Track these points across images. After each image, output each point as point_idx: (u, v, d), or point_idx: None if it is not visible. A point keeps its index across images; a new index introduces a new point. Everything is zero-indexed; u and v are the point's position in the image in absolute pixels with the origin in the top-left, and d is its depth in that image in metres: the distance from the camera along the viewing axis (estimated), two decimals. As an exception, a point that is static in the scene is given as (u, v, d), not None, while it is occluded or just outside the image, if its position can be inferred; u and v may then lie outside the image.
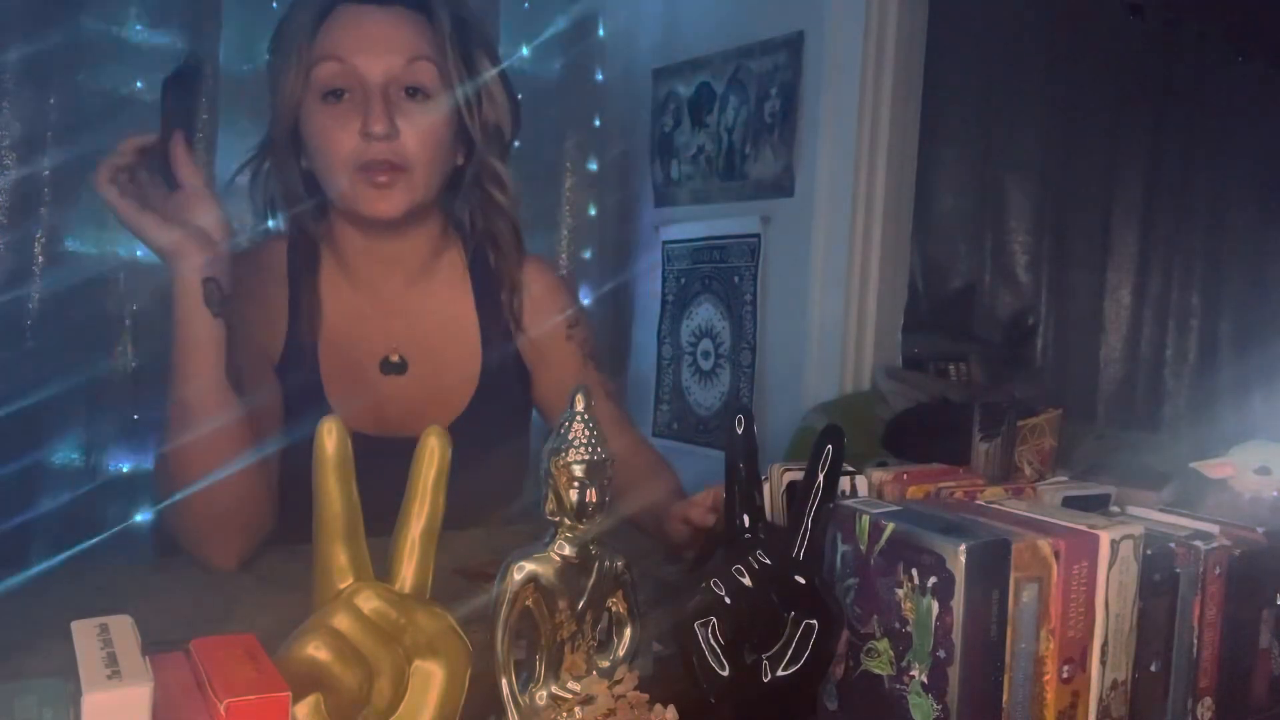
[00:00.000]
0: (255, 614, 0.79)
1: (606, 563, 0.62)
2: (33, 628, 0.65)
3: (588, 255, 2.51)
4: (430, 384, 1.18)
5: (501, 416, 1.22)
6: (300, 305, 1.14)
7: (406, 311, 1.18)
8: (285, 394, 1.10)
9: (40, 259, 1.81)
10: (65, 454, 1.88)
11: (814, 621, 0.64)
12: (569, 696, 0.61)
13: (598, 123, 2.53)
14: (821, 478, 0.65)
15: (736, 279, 2.33)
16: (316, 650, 0.52)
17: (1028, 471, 0.90)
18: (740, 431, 0.66)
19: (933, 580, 0.62)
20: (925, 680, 0.63)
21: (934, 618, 0.62)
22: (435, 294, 1.20)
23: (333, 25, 1.07)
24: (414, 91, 1.08)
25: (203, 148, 1.96)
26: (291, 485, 0.98)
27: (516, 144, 1.23)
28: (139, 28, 1.92)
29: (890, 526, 0.66)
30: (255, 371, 1.04)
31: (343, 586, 0.55)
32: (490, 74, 1.14)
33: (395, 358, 1.17)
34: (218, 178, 2.00)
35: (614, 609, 0.64)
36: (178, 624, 0.63)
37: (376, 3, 1.08)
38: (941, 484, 0.82)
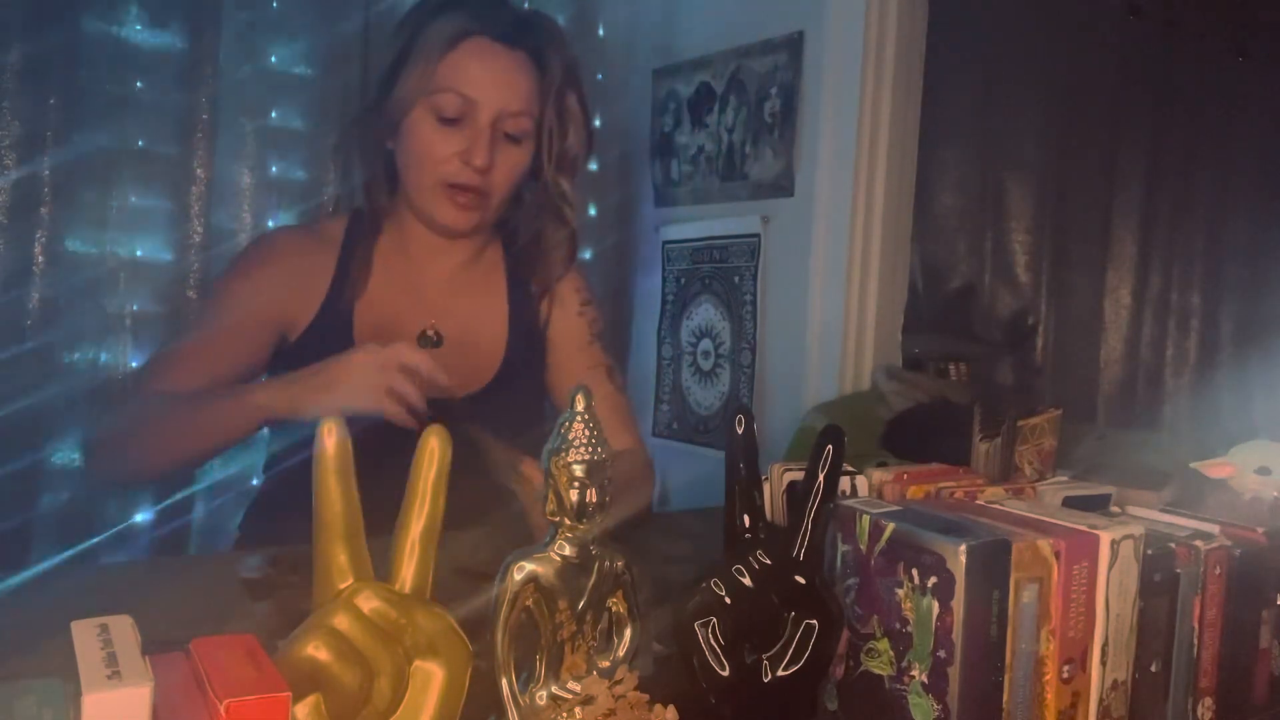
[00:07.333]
0: (255, 614, 0.79)
1: (606, 563, 0.62)
2: (33, 628, 0.65)
3: (588, 255, 2.50)
4: (459, 360, 1.25)
5: (521, 392, 1.31)
6: (348, 271, 1.23)
7: (449, 292, 1.28)
8: (316, 358, 1.16)
9: (40, 259, 1.81)
10: (65, 454, 1.87)
11: (814, 621, 0.64)
12: (569, 696, 0.61)
13: (597, 123, 2.52)
14: (821, 478, 0.65)
15: (736, 279, 2.33)
16: (316, 650, 0.52)
17: (1028, 471, 0.90)
18: (740, 431, 0.66)
19: (933, 580, 0.62)
20: (925, 680, 0.63)
21: (934, 618, 0.62)
22: (475, 280, 1.31)
23: (462, 56, 1.16)
24: (510, 136, 1.19)
25: (203, 148, 1.95)
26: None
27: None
28: (139, 28, 1.92)
29: (890, 526, 0.66)
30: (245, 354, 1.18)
31: (343, 586, 0.54)
32: (578, 113, 1.25)
33: (432, 333, 1.26)
34: (217, 178, 2.00)
35: (614, 609, 0.64)
36: (178, 624, 0.63)
37: (505, 43, 1.17)
38: (941, 484, 0.82)
